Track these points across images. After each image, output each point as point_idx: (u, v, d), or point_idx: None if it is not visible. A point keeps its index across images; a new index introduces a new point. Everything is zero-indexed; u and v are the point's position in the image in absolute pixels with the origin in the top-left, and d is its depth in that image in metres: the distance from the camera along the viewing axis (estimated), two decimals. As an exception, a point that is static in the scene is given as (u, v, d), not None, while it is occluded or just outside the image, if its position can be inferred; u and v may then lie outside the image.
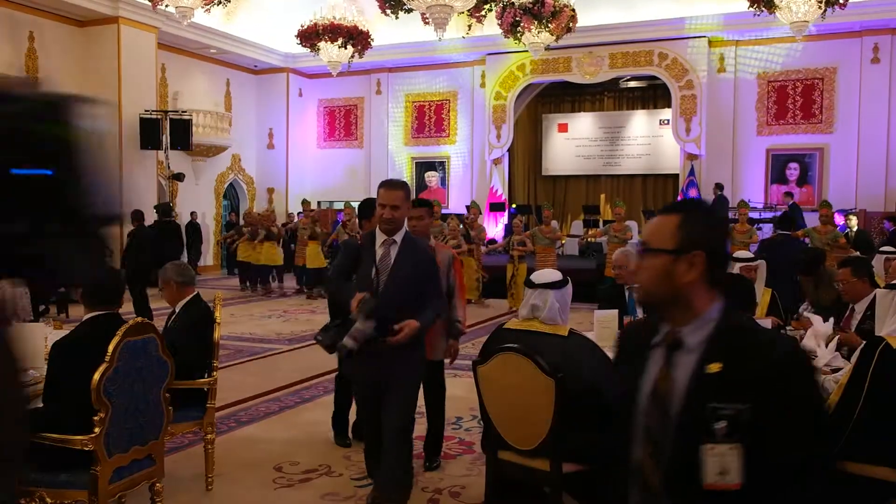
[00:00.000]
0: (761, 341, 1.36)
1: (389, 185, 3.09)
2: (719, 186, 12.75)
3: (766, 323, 3.58)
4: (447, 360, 3.94)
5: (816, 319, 3.75)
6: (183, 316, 3.73)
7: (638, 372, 1.45)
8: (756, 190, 13.57)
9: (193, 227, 14.29)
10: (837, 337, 3.54)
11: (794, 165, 13.54)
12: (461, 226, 10.63)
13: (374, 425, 3.22)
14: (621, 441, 1.49)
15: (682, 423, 1.34)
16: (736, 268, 4.41)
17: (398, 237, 3.12)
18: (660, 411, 1.39)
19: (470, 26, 11.40)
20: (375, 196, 3.24)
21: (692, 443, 1.30)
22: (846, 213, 10.88)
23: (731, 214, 12.50)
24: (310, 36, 11.89)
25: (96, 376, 2.67)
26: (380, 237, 3.14)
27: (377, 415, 3.16)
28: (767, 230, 12.40)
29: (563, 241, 14.18)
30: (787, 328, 4.31)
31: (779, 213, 12.97)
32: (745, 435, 1.27)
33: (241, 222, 13.15)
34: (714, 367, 1.32)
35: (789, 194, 12.26)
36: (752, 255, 4.61)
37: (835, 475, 2.79)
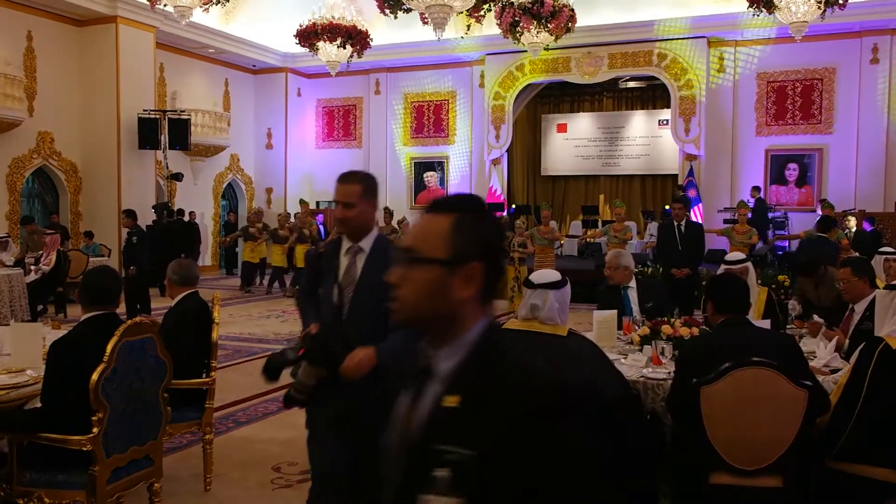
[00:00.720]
0: (512, 371, 1.07)
1: (343, 177, 2.52)
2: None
3: (765, 324, 3.58)
4: None
5: (817, 321, 3.75)
6: (173, 311, 3.73)
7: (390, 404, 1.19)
8: (755, 190, 13.58)
9: (192, 227, 14.28)
10: (836, 338, 3.55)
11: (793, 166, 13.55)
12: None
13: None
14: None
15: (408, 467, 1.08)
16: (721, 269, 4.40)
17: (366, 243, 2.53)
18: (400, 453, 1.13)
19: (469, 26, 11.40)
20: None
21: (414, 493, 1.03)
22: (845, 214, 10.88)
23: (771, 214, 12.55)
24: (308, 35, 11.88)
25: (94, 376, 2.67)
26: (345, 244, 2.57)
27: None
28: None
29: (563, 242, 14.18)
30: (788, 327, 4.32)
31: (777, 214, 13.00)
32: (475, 489, 0.98)
33: (250, 225, 12.88)
34: (451, 401, 1.05)
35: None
36: (742, 257, 4.55)
37: (833, 476, 2.80)
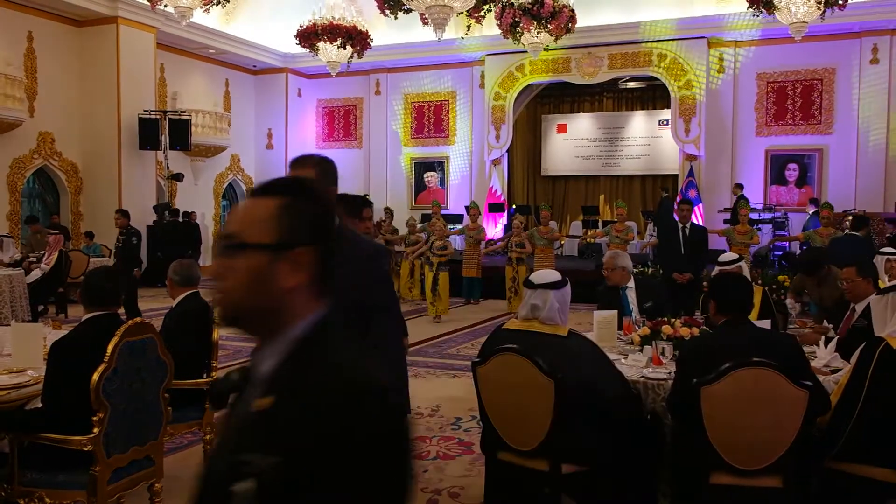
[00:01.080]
0: (326, 370, 0.95)
1: (294, 163, 2.04)
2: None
3: (765, 324, 3.58)
4: None
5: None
6: (175, 311, 3.74)
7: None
8: (755, 191, 13.57)
9: (192, 227, 14.28)
10: (836, 337, 3.54)
11: (793, 166, 13.55)
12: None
13: None
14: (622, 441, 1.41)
15: (208, 480, 0.99)
16: (715, 270, 4.39)
17: None
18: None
19: (469, 27, 11.40)
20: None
21: None
22: (845, 215, 10.86)
23: (770, 214, 12.54)
24: (309, 36, 11.87)
25: (95, 376, 2.67)
26: None
27: None
28: (767, 231, 12.42)
29: (563, 242, 14.18)
30: (791, 327, 4.31)
31: (777, 215, 13.00)
32: (281, 500, 0.87)
33: None
34: (262, 403, 0.95)
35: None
36: (736, 257, 4.53)
37: (834, 476, 2.80)
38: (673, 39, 13.63)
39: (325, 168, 2.04)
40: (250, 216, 1.04)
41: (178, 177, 13.41)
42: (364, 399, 0.91)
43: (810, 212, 11.95)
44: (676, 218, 7.43)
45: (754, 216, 12.00)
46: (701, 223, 10.91)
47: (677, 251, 6.95)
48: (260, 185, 1.09)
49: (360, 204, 3.36)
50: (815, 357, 3.36)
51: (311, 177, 1.98)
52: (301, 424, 0.90)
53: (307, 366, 0.97)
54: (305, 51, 12.48)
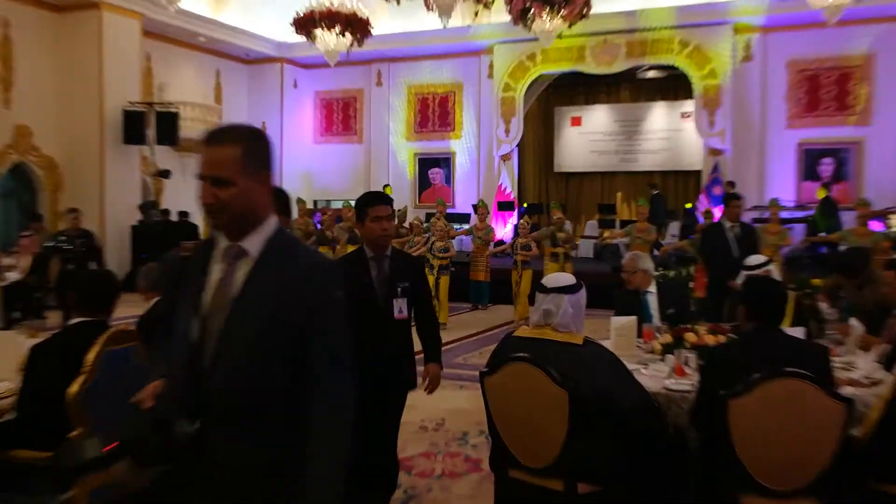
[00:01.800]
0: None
1: (211, 138, 1.71)
2: (731, 184, 12.72)
3: (798, 332, 3.54)
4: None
5: (857, 326, 3.70)
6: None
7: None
8: (786, 187, 13.49)
9: (192, 227, 14.31)
10: (884, 346, 3.49)
11: (827, 160, 13.47)
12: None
13: None
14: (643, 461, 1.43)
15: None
16: (742, 275, 4.34)
17: (253, 242, 1.72)
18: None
19: (477, 13, 11.38)
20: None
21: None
22: (886, 213, 10.80)
23: (803, 213, 12.50)
24: (305, 23, 11.88)
25: (74, 388, 2.65)
26: (221, 244, 1.76)
27: None
28: (799, 230, 12.32)
29: (577, 243, 14.13)
30: (829, 334, 4.25)
31: (811, 213, 12.91)
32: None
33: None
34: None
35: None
36: (764, 260, 4.48)
37: (876, 498, 2.75)
38: (695, 25, 13.58)
39: (253, 145, 1.73)
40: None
41: (166, 174, 13.45)
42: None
43: (819, 197, 11.90)
44: (719, 217, 7.01)
45: (785, 215, 11.91)
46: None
47: (727, 254, 6.39)
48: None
49: (366, 203, 3.32)
50: (855, 368, 3.32)
51: (236, 157, 1.67)
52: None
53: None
54: (302, 39, 12.48)
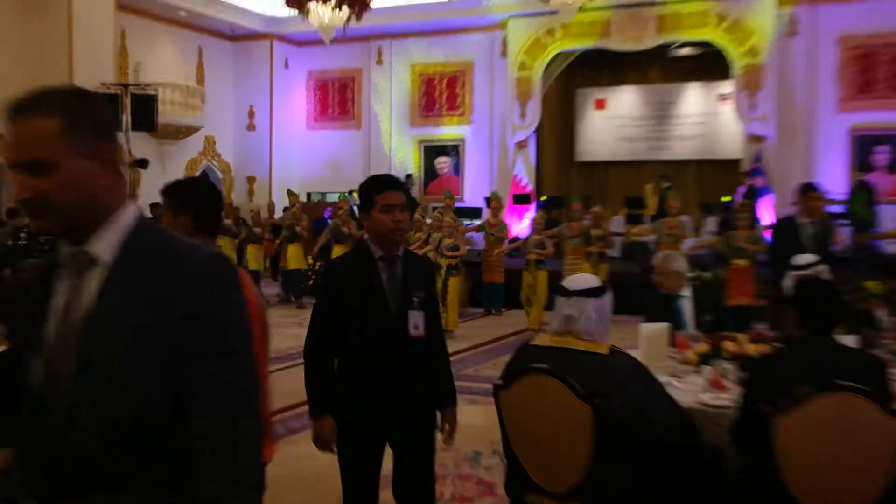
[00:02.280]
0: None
1: (17, 109, 1.40)
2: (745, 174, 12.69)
3: (850, 341, 3.53)
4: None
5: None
6: None
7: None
8: (836, 178, 13.42)
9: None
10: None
11: (882, 148, 13.41)
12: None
13: None
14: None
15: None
16: (790, 276, 4.32)
17: (103, 243, 1.40)
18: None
19: (489, -18, 11.40)
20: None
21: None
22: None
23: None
24: (297, -5, 11.92)
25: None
26: (62, 252, 1.46)
27: None
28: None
29: (612, 240, 14.10)
30: (883, 345, 4.23)
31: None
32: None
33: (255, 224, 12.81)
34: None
35: None
36: (814, 259, 4.46)
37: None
38: (735, -4, 13.56)
39: (79, 110, 1.42)
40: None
41: (143, 163, 13.49)
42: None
43: (853, 186, 11.86)
44: (797, 211, 6.59)
45: (836, 209, 11.85)
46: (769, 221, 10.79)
47: (798, 252, 5.99)
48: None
49: (373, 188, 2.92)
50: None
51: (55, 130, 1.36)
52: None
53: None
54: (294, 13, 12.52)
